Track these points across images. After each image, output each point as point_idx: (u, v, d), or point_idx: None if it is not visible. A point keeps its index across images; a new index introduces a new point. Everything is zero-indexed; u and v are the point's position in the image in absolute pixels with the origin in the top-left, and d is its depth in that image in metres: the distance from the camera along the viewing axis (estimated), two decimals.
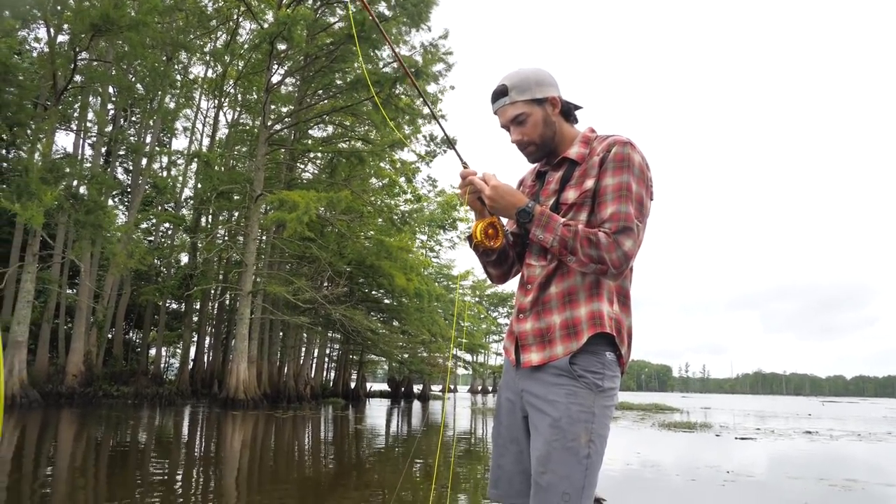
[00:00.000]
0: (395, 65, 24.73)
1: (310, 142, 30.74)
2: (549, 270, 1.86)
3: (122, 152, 33.43)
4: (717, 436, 16.03)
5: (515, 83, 1.92)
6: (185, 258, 33.94)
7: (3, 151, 26.34)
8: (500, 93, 1.94)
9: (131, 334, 38.00)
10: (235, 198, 29.15)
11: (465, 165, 1.98)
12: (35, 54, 25.76)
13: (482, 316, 57.32)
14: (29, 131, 21.02)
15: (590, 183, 1.83)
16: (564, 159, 1.94)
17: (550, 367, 1.80)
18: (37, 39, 26.66)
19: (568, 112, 1.99)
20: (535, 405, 1.81)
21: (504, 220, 2.02)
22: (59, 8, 20.60)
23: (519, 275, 2.02)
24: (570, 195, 1.86)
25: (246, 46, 28.67)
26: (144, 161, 29.95)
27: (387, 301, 35.82)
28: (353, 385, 44.53)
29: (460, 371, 71.65)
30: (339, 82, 27.33)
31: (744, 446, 13.45)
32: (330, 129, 31.97)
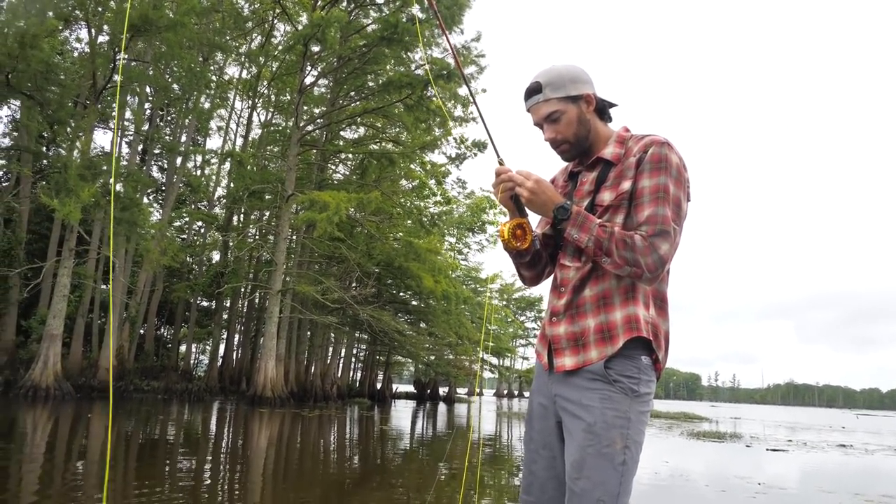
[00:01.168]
0: (426, 67, 24.80)
1: (341, 143, 30.99)
2: (584, 273, 1.82)
3: (157, 151, 34.03)
4: (748, 447, 15.73)
5: (549, 80, 1.87)
6: (216, 256, 34.43)
7: (44, 149, 26.98)
8: (533, 90, 1.89)
9: (162, 330, 38.62)
10: (267, 197, 29.46)
11: (500, 162, 1.91)
12: (76, 54, 26.38)
13: (509, 320, 57.10)
14: (69, 129, 21.51)
15: (626, 185, 1.78)
16: (599, 160, 1.89)
17: (585, 371, 1.76)
18: (78, 40, 27.32)
19: (602, 110, 1.94)
20: (569, 410, 1.78)
21: (534, 222, 1.99)
22: (99, 9, 21.05)
23: (552, 277, 1.98)
24: (606, 197, 1.82)
25: (280, 48, 29.00)
26: (179, 160, 30.44)
27: (414, 303, 35.86)
28: (378, 386, 44.68)
29: (486, 374, 71.47)
30: (371, 84, 27.48)
31: (775, 458, 13.17)
32: (361, 130, 32.21)
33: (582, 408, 1.74)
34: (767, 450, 15.02)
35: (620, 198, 1.79)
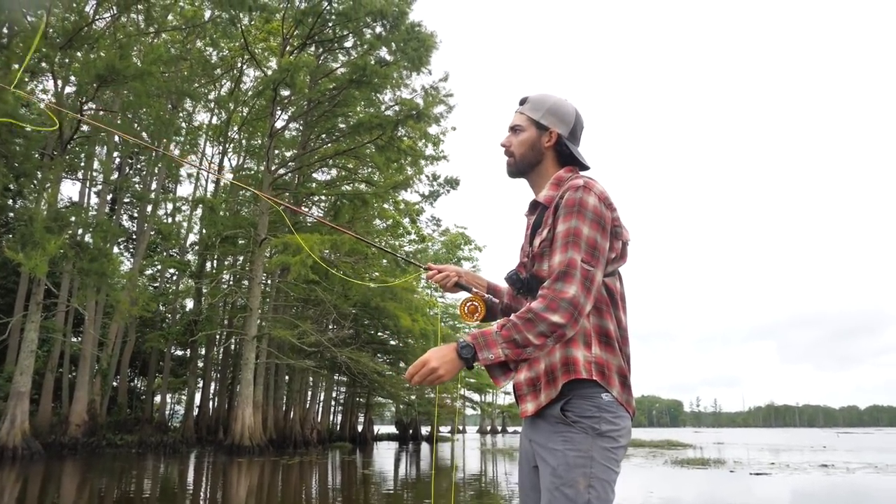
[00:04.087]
0: (397, 107, 25.07)
1: (314, 185, 31.02)
2: None
3: (127, 200, 33.72)
4: (732, 472, 15.72)
5: (534, 99, 1.98)
6: (189, 304, 33.91)
7: (10, 202, 26.59)
8: (521, 101, 2.02)
9: (136, 382, 37.77)
10: (240, 242, 29.25)
11: (426, 269, 2.20)
12: (42, 105, 26.19)
13: None
14: (35, 181, 21.24)
15: (546, 231, 1.82)
16: (536, 203, 1.93)
17: (548, 415, 1.77)
18: (44, 91, 27.18)
19: (564, 154, 1.96)
20: (539, 454, 1.79)
21: (510, 261, 2.03)
22: (66, 60, 21.01)
23: None
24: (536, 244, 1.85)
25: (250, 93, 29.16)
26: (150, 208, 30.19)
27: (392, 342, 35.60)
28: (360, 428, 44.01)
29: (468, 412, 70.83)
30: (341, 126, 27.67)
31: (759, 482, 13.17)
32: (333, 172, 32.28)
33: (548, 451, 1.74)
34: (751, 474, 15.02)
35: (542, 246, 1.82)
